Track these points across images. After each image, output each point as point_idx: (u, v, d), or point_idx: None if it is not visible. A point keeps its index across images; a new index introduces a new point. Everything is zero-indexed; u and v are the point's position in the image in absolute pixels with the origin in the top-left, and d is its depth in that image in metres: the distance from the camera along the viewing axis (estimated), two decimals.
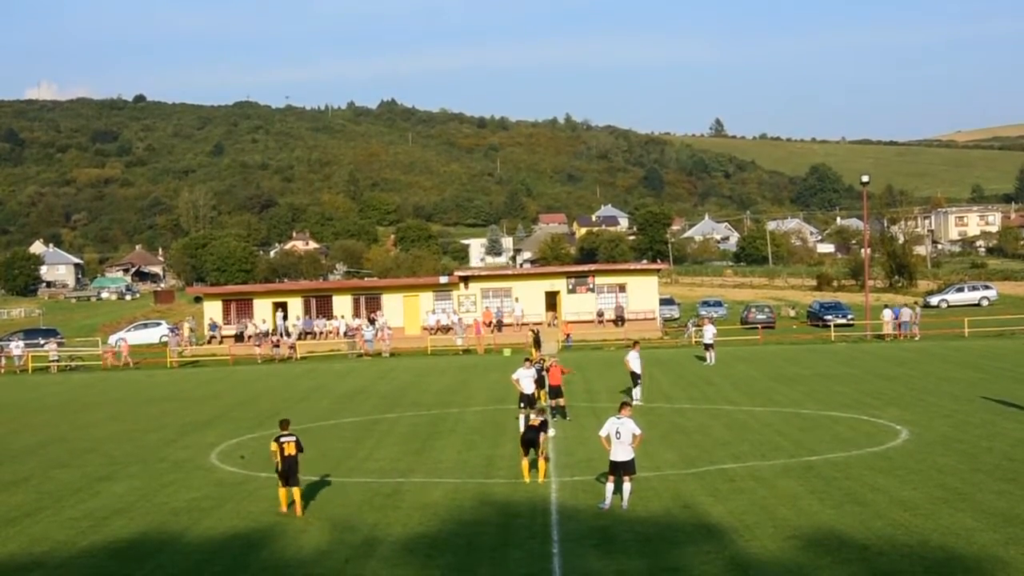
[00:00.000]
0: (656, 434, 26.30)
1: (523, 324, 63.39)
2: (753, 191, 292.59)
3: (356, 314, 65.68)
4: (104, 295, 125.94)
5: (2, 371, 59.26)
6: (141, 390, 45.39)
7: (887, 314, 59.31)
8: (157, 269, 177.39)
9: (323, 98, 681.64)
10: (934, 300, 78.57)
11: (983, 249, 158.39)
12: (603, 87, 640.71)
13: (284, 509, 19.37)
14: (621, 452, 18.70)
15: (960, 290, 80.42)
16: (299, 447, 19.51)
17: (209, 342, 65.59)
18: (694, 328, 60.22)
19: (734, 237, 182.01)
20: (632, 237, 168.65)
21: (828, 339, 58.31)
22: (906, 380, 37.42)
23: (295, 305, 66.44)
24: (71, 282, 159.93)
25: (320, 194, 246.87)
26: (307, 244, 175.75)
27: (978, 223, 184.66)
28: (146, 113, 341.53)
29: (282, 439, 19.44)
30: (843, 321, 65.06)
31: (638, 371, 33.61)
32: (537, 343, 50.50)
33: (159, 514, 19.90)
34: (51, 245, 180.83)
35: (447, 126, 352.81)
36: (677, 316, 74.96)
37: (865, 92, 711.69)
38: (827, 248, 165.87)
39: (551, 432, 24.12)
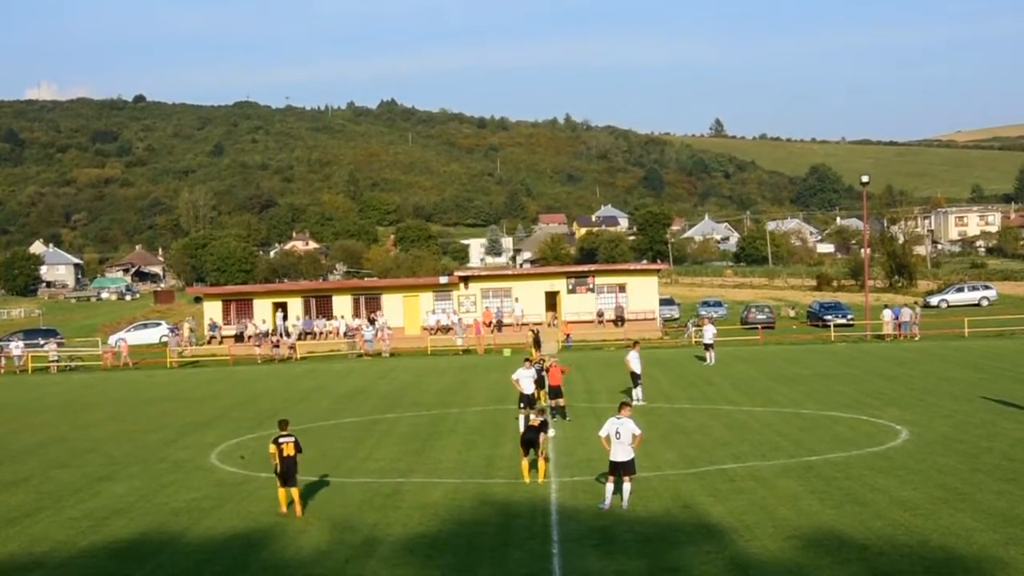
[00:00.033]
0: (656, 434, 26.30)
1: (523, 324, 63.39)
2: (753, 191, 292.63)
3: (356, 314, 65.69)
4: (104, 295, 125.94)
5: (2, 371, 59.27)
6: (141, 390, 45.40)
7: (887, 314, 59.32)
8: (157, 269, 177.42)
9: (323, 98, 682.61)
10: (934, 300, 78.58)
11: (983, 249, 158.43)
12: (603, 87, 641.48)
13: (284, 509, 19.38)
14: (621, 452, 18.70)
15: (960, 290, 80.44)
16: (298, 448, 19.51)
17: (209, 342, 65.59)
18: (694, 328, 60.23)
19: (734, 237, 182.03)
20: (632, 237, 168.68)
21: (828, 339, 58.31)
22: (906, 380, 37.42)
23: (295, 305, 66.45)
24: (71, 282, 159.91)
25: (320, 194, 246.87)
26: (307, 244, 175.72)
27: (978, 223, 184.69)
28: (146, 113, 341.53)
29: (281, 439, 19.45)
30: (843, 321, 65.06)
31: (638, 371, 33.62)
32: (537, 343, 50.49)
33: (159, 514, 19.90)
34: (51, 245, 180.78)
35: (447, 126, 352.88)
36: (677, 316, 74.98)
37: (865, 92, 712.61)
38: (827, 248, 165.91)
39: (551, 432, 24.14)
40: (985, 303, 76.59)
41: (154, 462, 25.86)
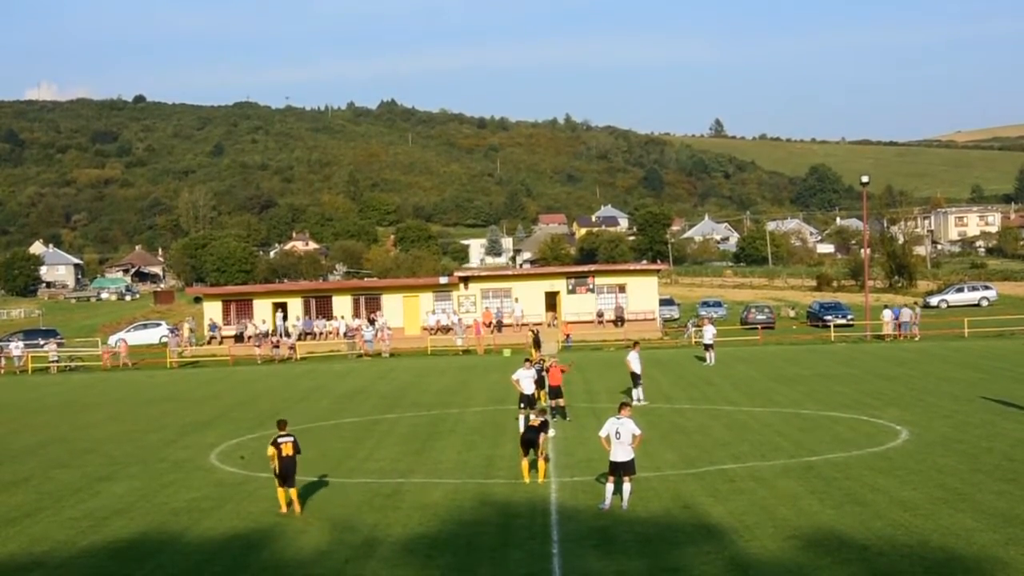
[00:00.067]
0: (656, 434, 26.30)
1: (523, 324, 63.38)
2: (753, 191, 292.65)
3: (356, 314, 65.69)
4: (104, 295, 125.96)
5: (2, 371, 59.26)
6: (141, 391, 45.39)
7: (887, 314, 59.32)
8: (157, 269, 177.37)
9: (323, 98, 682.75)
10: (934, 300, 78.58)
11: (983, 249, 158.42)
12: (603, 87, 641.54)
13: (284, 510, 19.39)
14: (621, 452, 18.70)
15: (960, 290, 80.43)
16: (296, 448, 19.52)
17: (209, 343, 65.59)
18: (694, 328, 60.22)
19: (734, 237, 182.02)
20: (632, 237, 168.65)
21: (828, 339, 58.31)
22: (906, 380, 37.42)
23: (295, 305, 66.44)
24: (71, 282, 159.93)
25: (320, 194, 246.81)
26: (307, 244, 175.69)
27: (978, 223, 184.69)
28: (146, 113, 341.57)
29: (280, 440, 19.46)
30: (843, 321, 65.04)
31: (638, 371, 33.61)
32: (537, 343, 50.47)
33: (159, 514, 19.91)
34: (51, 245, 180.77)
35: (447, 126, 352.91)
36: (677, 316, 74.99)
37: (865, 92, 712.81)
38: (827, 248, 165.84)
39: (551, 432, 24.14)
40: (985, 303, 76.58)
41: (154, 462, 25.87)
